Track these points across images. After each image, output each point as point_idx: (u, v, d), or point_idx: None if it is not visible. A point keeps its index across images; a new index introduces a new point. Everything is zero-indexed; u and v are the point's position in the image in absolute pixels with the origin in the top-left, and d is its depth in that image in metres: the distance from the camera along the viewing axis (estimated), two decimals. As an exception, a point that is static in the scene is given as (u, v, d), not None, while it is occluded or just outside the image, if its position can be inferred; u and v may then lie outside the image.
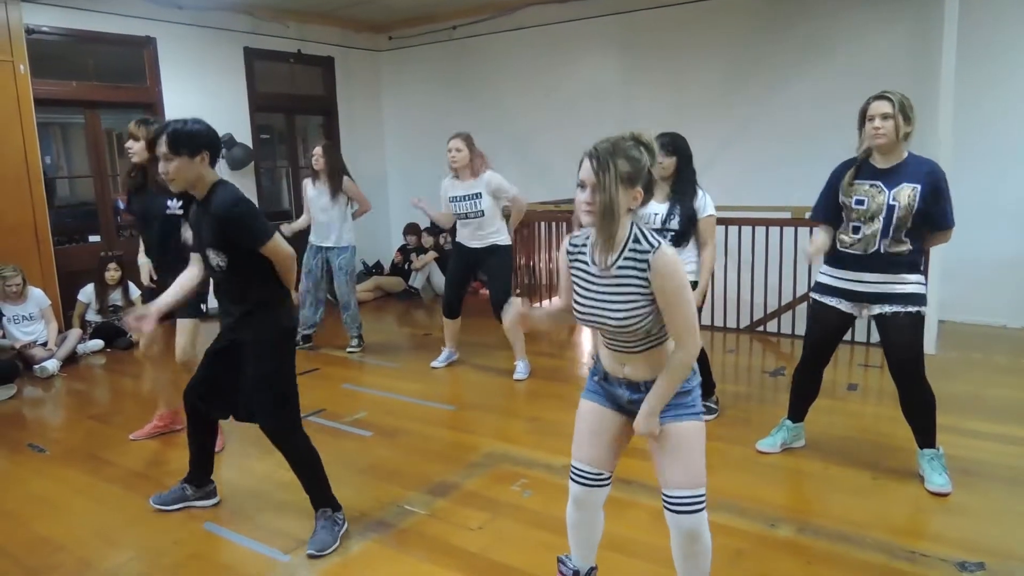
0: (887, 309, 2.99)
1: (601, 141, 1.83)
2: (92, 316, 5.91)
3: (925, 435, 3.10)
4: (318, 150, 5.35)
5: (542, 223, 6.92)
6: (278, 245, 2.62)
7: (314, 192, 5.38)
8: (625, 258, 1.86)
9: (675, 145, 3.54)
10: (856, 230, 3.00)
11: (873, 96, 2.93)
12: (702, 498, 1.94)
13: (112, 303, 5.96)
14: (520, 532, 2.77)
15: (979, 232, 5.00)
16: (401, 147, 9.04)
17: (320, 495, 2.77)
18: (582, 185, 1.84)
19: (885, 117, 2.85)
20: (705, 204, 3.57)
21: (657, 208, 3.57)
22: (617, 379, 2.02)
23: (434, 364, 4.99)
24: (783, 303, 5.64)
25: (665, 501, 1.96)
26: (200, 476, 3.05)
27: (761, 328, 5.75)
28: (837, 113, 6.03)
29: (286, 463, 2.75)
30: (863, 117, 2.95)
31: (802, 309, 5.56)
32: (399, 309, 7.33)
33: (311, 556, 2.63)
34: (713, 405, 3.90)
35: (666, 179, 3.56)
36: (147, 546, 2.77)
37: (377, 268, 8.35)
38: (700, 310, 3.66)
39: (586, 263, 1.95)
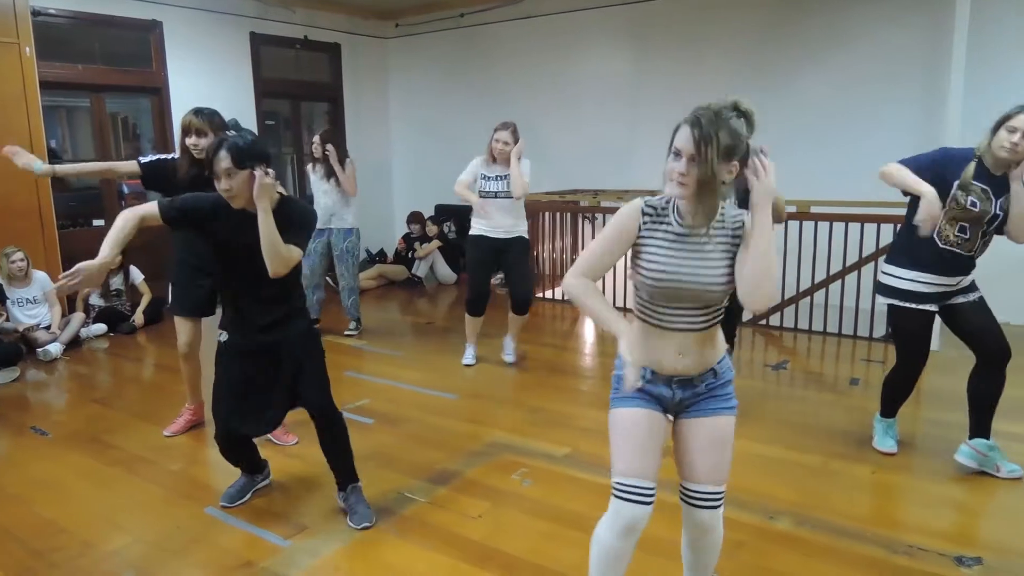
0: (969, 297, 3.07)
1: (701, 108, 1.70)
2: (95, 300, 5.93)
3: (989, 422, 3.17)
4: (316, 138, 5.49)
5: (547, 213, 6.91)
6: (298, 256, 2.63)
7: (315, 176, 5.53)
8: (720, 220, 1.79)
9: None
10: (964, 230, 2.94)
11: (1020, 106, 2.79)
12: (723, 494, 1.91)
13: (114, 287, 5.98)
14: (520, 521, 2.79)
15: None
16: (407, 135, 9.02)
17: (352, 471, 2.87)
18: (677, 153, 1.71)
19: None
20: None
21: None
22: (667, 378, 1.87)
23: (465, 361, 4.85)
24: (786, 297, 5.64)
25: (684, 493, 1.92)
26: (258, 466, 3.08)
27: (764, 322, 5.74)
28: (848, 107, 6.05)
29: (289, 450, 2.75)
30: (1001, 123, 2.81)
31: (805, 304, 5.57)
32: (402, 297, 7.34)
33: (364, 528, 2.73)
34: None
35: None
36: (149, 530, 2.79)
37: (380, 256, 8.35)
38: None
39: (669, 223, 1.81)
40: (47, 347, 5.17)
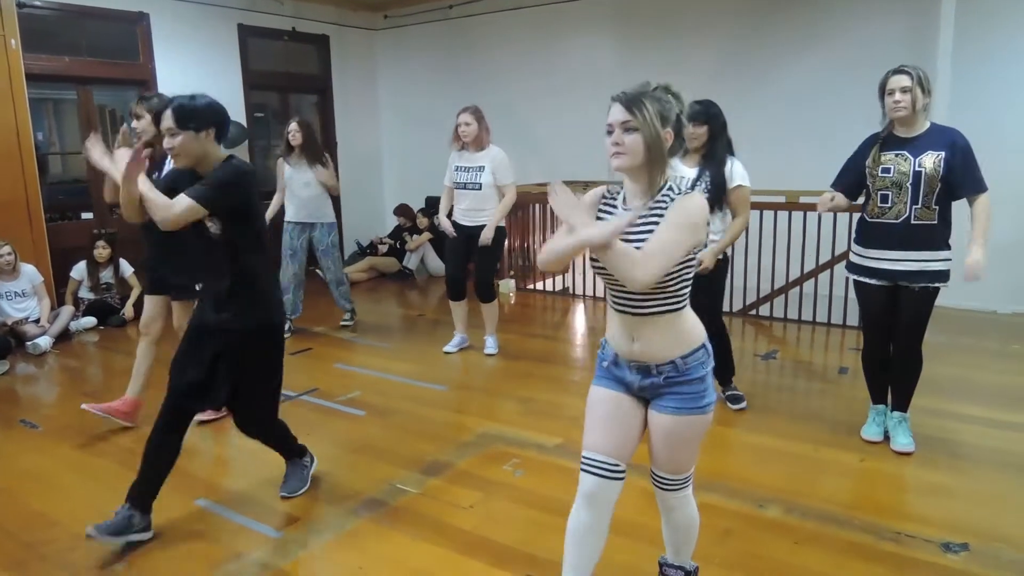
0: (915, 285, 3.09)
1: (625, 88, 1.79)
2: (85, 293, 5.90)
3: (902, 398, 3.28)
4: (293, 125, 5.22)
5: (536, 205, 6.91)
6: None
7: (291, 169, 5.26)
8: (656, 201, 1.80)
9: (708, 114, 3.47)
10: (885, 199, 3.08)
11: (891, 71, 3.04)
12: (688, 479, 1.98)
13: (104, 281, 5.95)
14: (512, 511, 2.80)
15: (969, 216, 5.03)
16: (396, 126, 8.99)
17: (290, 451, 2.98)
18: (610, 129, 1.78)
19: (904, 90, 2.97)
20: (733, 173, 3.50)
21: (686, 172, 3.52)
22: (627, 362, 1.89)
23: (446, 349, 4.91)
24: (776, 287, 5.66)
25: (652, 476, 1.99)
26: (147, 501, 2.65)
27: (754, 312, 5.77)
28: (834, 97, 6.06)
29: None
30: (882, 91, 3.06)
31: (795, 294, 5.60)
32: (393, 290, 7.33)
33: (284, 498, 2.89)
34: (738, 392, 3.83)
35: (698, 149, 3.51)
36: (140, 522, 2.78)
37: (371, 248, 8.33)
38: (719, 282, 3.67)
39: (614, 208, 1.88)
40: (36, 340, 5.15)
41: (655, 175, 1.79)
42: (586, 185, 6.99)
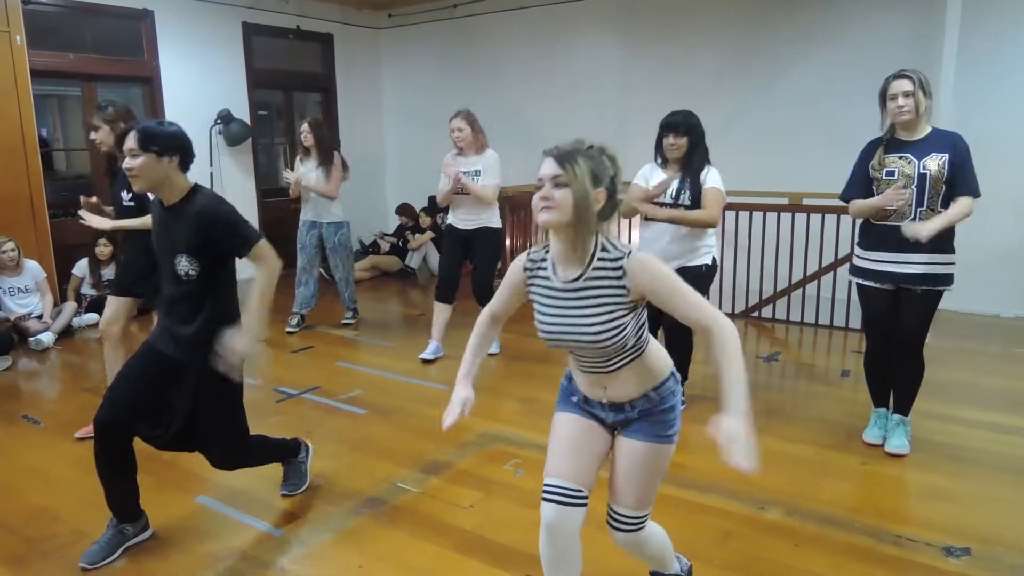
0: (918, 288, 3.08)
1: (557, 144, 1.73)
2: (87, 290, 5.90)
3: (903, 402, 3.28)
4: (305, 126, 5.29)
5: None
6: (269, 249, 2.47)
7: (304, 168, 5.32)
8: (595, 268, 1.73)
9: (688, 124, 3.47)
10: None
11: (892, 76, 3.04)
12: (640, 519, 1.89)
13: (106, 278, 5.95)
14: (512, 511, 2.80)
15: (974, 220, 5.01)
16: (400, 126, 8.99)
17: (283, 456, 2.95)
18: (540, 183, 1.70)
19: (907, 94, 2.97)
20: (707, 177, 3.49)
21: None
22: (599, 403, 1.87)
23: (423, 356, 4.74)
24: (778, 289, 5.66)
25: (609, 513, 1.90)
26: (132, 510, 2.59)
27: (756, 314, 5.76)
28: (837, 100, 6.05)
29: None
30: (884, 96, 3.06)
31: (797, 296, 5.59)
32: (395, 289, 7.33)
33: (284, 496, 2.91)
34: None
35: (678, 159, 3.53)
36: (141, 518, 2.78)
37: (373, 247, 8.33)
38: (701, 291, 3.66)
39: (548, 278, 1.80)
40: (39, 336, 5.16)
41: (583, 236, 1.71)
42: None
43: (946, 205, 3.01)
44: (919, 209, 3.02)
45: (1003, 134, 5.40)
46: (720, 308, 5.69)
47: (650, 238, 3.62)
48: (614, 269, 1.72)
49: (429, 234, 7.78)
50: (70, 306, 5.62)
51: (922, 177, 3.00)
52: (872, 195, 3.13)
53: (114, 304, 3.60)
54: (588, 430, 1.89)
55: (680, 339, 3.62)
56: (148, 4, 6.54)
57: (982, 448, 3.31)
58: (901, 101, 2.98)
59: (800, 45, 6.28)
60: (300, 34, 7.90)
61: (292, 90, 8.25)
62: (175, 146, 2.41)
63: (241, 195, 7.41)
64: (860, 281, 3.25)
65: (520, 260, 1.87)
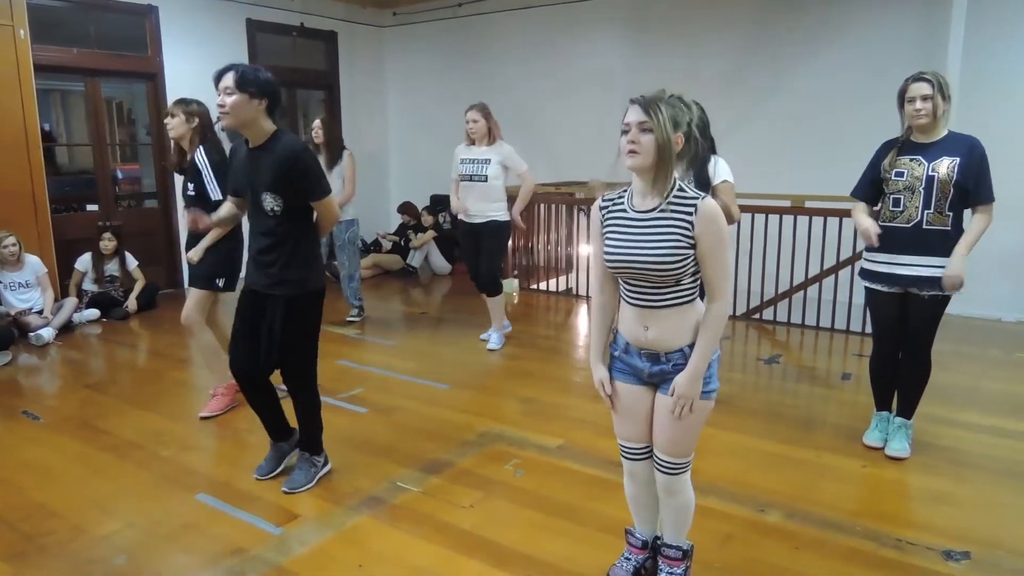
0: (925, 293, 3.08)
1: (643, 92, 1.91)
2: (88, 285, 5.91)
3: (907, 405, 3.28)
4: (317, 123, 5.37)
5: (541, 205, 6.90)
6: (333, 202, 2.84)
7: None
8: (669, 202, 1.92)
9: (696, 115, 3.49)
10: (897, 203, 3.08)
11: (911, 78, 3.02)
12: (687, 464, 2.09)
13: (109, 273, 5.95)
14: (512, 511, 2.79)
15: (979, 225, 5.04)
16: (404, 124, 8.99)
17: (311, 441, 3.03)
18: (626, 129, 1.89)
19: (925, 98, 2.96)
20: (717, 170, 3.48)
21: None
22: (637, 350, 2.03)
23: (491, 347, 4.94)
24: (780, 291, 5.65)
25: (656, 460, 2.11)
26: (283, 431, 3.09)
27: (757, 316, 5.75)
28: (840, 102, 6.05)
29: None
30: (902, 98, 3.05)
31: (799, 298, 5.58)
32: (396, 287, 7.33)
33: (285, 493, 2.92)
34: None
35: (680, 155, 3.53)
36: (140, 515, 2.78)
37: (375, 245, 8.33)
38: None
39: (624, 210, 2.00)
40: (39, 331, 5.15)
41: (663, 176, 1.89)
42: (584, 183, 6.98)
43: (956, 208, 2.99)
44: (926, 212, 3.01)
45: (1007, 138, 5.37)
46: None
47: None
48: (687, 206, 1.90)
49: (431, 233, 7.77)
50: (71, 301, 5.62)
51: (930, 180, 2.99)
52: (880, 194, 3.15)
53: (199, 296, 3.69)
54: (629, 392, 2.09)
55: None
56: (153, 0, 6.53)
57: (983, 452, 3.30)
58: (919, 104, 2.96)
59: (804, 48, 6.27)
60: (304, 31, 7.90)
61: (296, 87, 8.25)
62: (267, 91, 2.66)
63: (243, 192, 7.41)
64: (868, 284, 3.24)
65: (595, 206, 2.08)
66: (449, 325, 5.73)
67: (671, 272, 1.90)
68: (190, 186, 3.62)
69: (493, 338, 4.96)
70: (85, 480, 3.10)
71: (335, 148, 5.35)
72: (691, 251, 1.90)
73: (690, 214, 1.89)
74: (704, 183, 3.47)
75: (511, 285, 6.89)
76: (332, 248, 5.56)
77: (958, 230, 3.02)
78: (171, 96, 6.69)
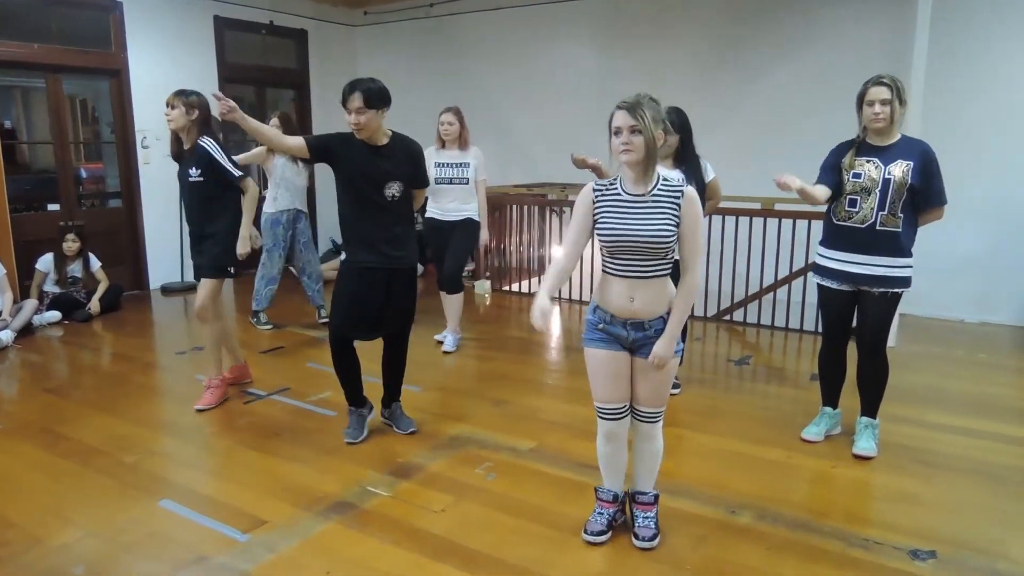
0: (876, 290, 3.14)
1: (624, 99, 2.24)
2: (50, 287, 5.75)
3: (869, 404, 3.34)
4: (274, 120, 5.19)
5: (514, 206, 6.88)
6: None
7: (284, 159, 5.25)
8: (659, 189, 2.28)
9: (680, 122, 3.59)
10: (853, 203, 3.13)
11: (870, 81, 3.08)
12: (662, 412, 2.49)
13: (71, 274, 5.81)
14: (483, 515, 2.76)
15: (940, 226, 5.10)
16: (374, 124, 8.90)
17: (398, 390, 3.59)
18: (617, 131, 2.23)
19: (884, 102, 3.02)
20: (708, 170, 3.80)
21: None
22: (623, 321, 2.34)
23: (446, 348, 4.90)
24: (750, 293, 5.70)
25: (632, 410, 2.47)
26: (358, 398, 3.47)
27: (728, 317, 5.80)
28: (811, 106, 6.12)
29: (247, 441, 2.70)
30: (861, 101, 3.10)
31: (768, 299, 5.64)
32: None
33: (412, 433, 3.49)
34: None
35: (669, 155, 3.62)
36: (101, 524, 2.71)
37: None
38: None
39: (618, 193, 2.32)
40: (-3, 335, 5.01)
41: (652, 166, 2.26)
42: (564, 187, 6.99)
43: (907, 210, 3.07)
44: (880, 213, 3.08)
45: (972, 141, 5.50)
46: (692, 311, 5.75)
47: None
48: (674, 192, 2.28)
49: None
50: (31, 303, 5.47)
51: (886, 182, 3.06)
52: (840, 186, 3.17)
53: (211, 285, 3.79)
54: (613, 359, 2.40)
55: None
56: (117, -5, 6.40)
57: (947, 452, 3.35)
58: (878, 108, 3.03)
59: (774, 53, 6.34)
60: (274, 29, 7.80)
61: (265, 86, 8.13)
62: (387, 100, 3.18)
63: (211, 192, 7.29)
64: (820, 280, 3.31)
65: (587, 188, 2.38)
66: (419, 326, 5.61)
67: (662, 245, 2.26)
68: (194, 171, 3.69)
69: (448, 339, 4.90)
70: (45, 488, 3.01)
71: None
72: (677, 229, 2.26)
73: (678, 198, 2.27)
74: (701, 183, 3.67)
75: (483, 287, 6.86)
76: (292, 248, 5.44)
77: (909, 231, 3.10)
78: (136, 93, 6.58)
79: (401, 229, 3.29)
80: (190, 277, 7.05)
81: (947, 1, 5.26)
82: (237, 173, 3.74)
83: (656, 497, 2.58)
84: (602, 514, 2.59)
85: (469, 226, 4.77)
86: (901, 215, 3.06)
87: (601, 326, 2.39)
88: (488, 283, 6.90)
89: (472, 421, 3.70)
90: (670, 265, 2.33)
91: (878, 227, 3.08)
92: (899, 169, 3.04)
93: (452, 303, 4.87)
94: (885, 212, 3.07)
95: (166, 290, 6.86)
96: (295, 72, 8.22)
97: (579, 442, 3.39)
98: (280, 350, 4.94)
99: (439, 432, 3.55)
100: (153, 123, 6.66)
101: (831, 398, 3.48)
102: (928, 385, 4.25)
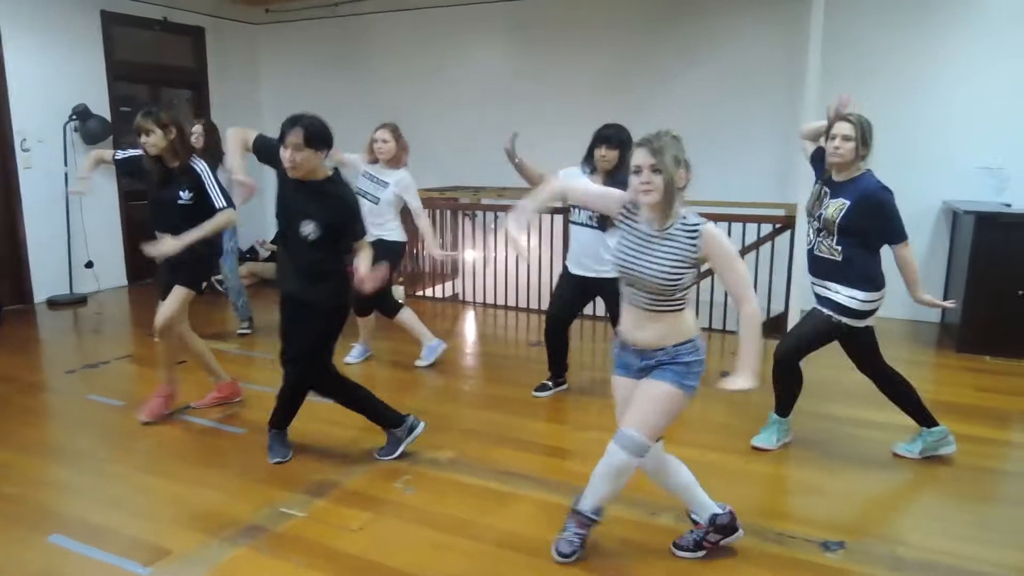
0: (815, 307, 3.25)
1: (645, 135, 2.22)
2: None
3: (783, 405, 3.47)
4: (198, 128, 4.98)
5: (426, 211, 6.77)
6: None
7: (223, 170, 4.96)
8: (677, 228, 2.22)
9: (620, 139, 3.64)
10: (818, 232, 3.21)
11: (840, 116, 3.07)
12: (642, 443, 2.30)
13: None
14: (403, 531, 2.69)
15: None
16: (279, 126, 8.60)
17: (380, 418, 3.35)
18: (637, 170, 2.18)
19: (846, 138, 3.02)
20: None
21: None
22: (631, 347, 2.34)
23: (419, 363, 4.70)
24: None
25: (621, 433, 2.32)
26: (392, 418, 3.30)
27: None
28: (717, 109, 6.32)
29: (146, 465, 2.52)
30: (827, 132, 3.12)
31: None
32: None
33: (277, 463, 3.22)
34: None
35: (607, 170, 3.66)
36: (-19, 565, 2.47)
37: (252, 253, 7.94)
38: None
39: (639, 223, 2.29)
40: None
41: (669, 206, 2.20)
42: (476, 190, 6.96)
43: (843, 245, 3.07)
44: (817, 239, 3.18)
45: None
46: (603, 310, 5.73)
47: (578, 250, 3.87)
48: (691, 233, 2.20)
49: (311, 239, 7.48)
50: None
51: (820, 216, 3.15)
52: (821, 163, 3.24)
53: (181, 296, 3.65)
54: (625, 385, 2.40)
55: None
56: (-11, -14, 5.92)
57: (850, 444, 3.51)
58: (838, 143, 3.03)
59: (681, 57, 6.51)
60: (167, 26, 7.40)
61: (159, 85, 7.71)
62: (329, 140, 2.96)
63: (101, 197, 6.86)
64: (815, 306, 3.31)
65: (623, 196, 2.34)
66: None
67: (667, 285, 2.20)
68: (184, 194, 3.54)
69: (424, 353, 4.71)
70: (-88, 528, 2.72)
71: (218, 153, 4.93)
72: (690, 270, 2.21)
73: (694, 238, 2.19)
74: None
75: (396, 292, 6.73)
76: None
77: (848, 264, 3.08)
78: (14, 92, 6.10)
79: (317, 272, 3.06)
80: (80, 288, 6.61)
81: (837, 8, 5.54)
82: (220, 204, 3.57)
83: (589, 520, 2.47)
84: (692, 532, 2.56)
85: (382, 246, 4.32)
86: (838, 247, 3.08)
87: (617, 350, 2.43)
88: (401, 288, 6.78)
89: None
90: (681, 303, 2.27)
91: (815, 252, 3.19)
92: (834, 208, 3.07)
93: (404, 324, 4.67)
94: (820, 240, 3.16)
95: (53, 303, 6.38)
96: (192, 71, 7.83)
97: (500, 450, 3.36)
98: (182, 364, 4.67)
99: (354, 446, 3.44)
100: (34, 125, 6.20)
101: (784, 408, 3.48)
102: (828, 379, 4.43)
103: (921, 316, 5.87)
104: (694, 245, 2.19)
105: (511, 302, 6.40)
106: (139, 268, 7.24)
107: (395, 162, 4.45)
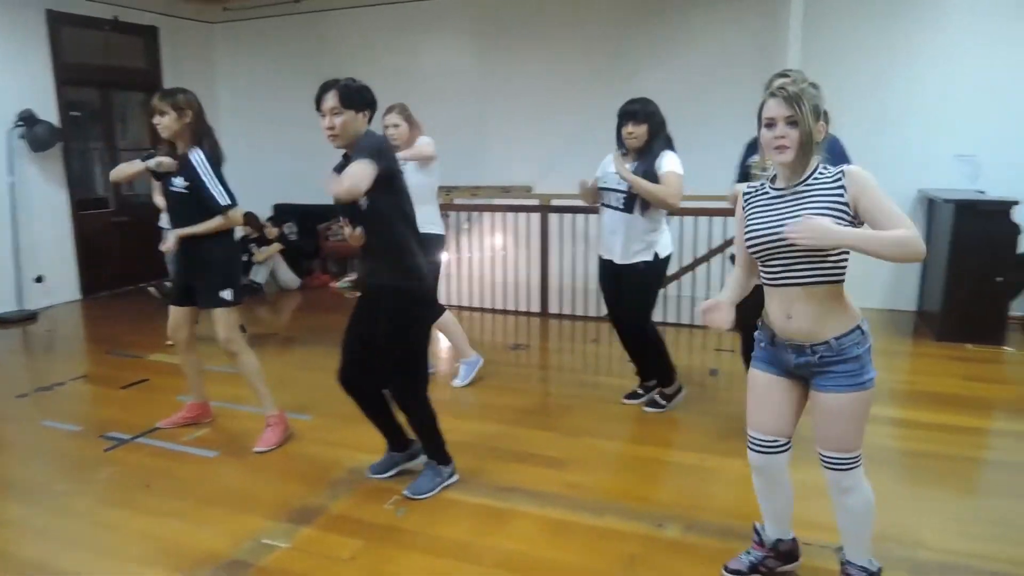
0: None
1: (776, 80, 1.92)
2: None
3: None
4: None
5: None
6: None
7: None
8: (814, 179, 1.93)
9: (646, 112, 3.44)
10: None
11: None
12: (853, 459, 2.02)
13: None
14: (397, 558, 2.50)
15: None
16: (240, 129, 8.27)
17: (433, 449, 2.96)
18: (770, 123, 1.90)
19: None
20: (662, 162, 3.43)
21: (610, 168, 3.56)
22: (783, 341, 2.01)
23: (456, 382, 4.34)
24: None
25: (820, 456, 2.06)
26: (399, 442, 3.05)
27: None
28: (693, 102, 6.20)
29: (109, 497, 2.29)
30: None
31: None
32: (239, 306, 6.69)
33: (406, 497, 2.84)
34: (663, 401, 3.84)
35: (637, 148, 3.47)
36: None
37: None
38: (652, 285, 3.75)
39: (765, 192, 2.02)
40: None
41: (807, 161, 1.92)
42: (449, 190, 6.76)
43: None
44: None
45: (841, 135, 5.75)
46: (583, 311, 5.57)
47: (606, 234, 3.64)
48: (832, 179, 1.91)
49: (276, 246, 7.21)
50: None
51: None
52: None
53: (176, 312, 3.54)
54: (776, 384, 2.08)
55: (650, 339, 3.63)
56: (-79, -16, 5.55)
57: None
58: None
59: (656, 51, 6.41)
60: (119, 26, 7.06)
61: (111, 88, 7.35)
62: (369, 100, 2.73)
63: (50, 207, 6.52)
64: None
65: (739, 199, 2.09)
66: (302, 346, 5.27)
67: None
68: (179, 181, 3.28)
69: (461, 371, 4.36)
70: None
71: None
72: (842, 218, 1.86)
73: (839, 180, 1.89)
74: (650, 178, 3.42)
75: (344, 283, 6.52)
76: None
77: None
78: (-48, 97, 5.73)
79: (376, 241, 2.72)
80: (30, 304, 6.25)
81: (816, 5, 5.49)
82: (224, 201, 3.29)
83: (865, 571, 2.17)
84: (749, 553, 2.34)
85: (431, 243, 3.87)
86: None
87: (764, 344, 2.09)
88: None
89: (371, 449, 3.35)
90: (837, 271, 1.93)
91: None
92: None
93: (443, 331, 4.30)
94: None
95: (0, 321, 6.02)
96: (145, 72, 7.49)
97: (494, 464, 3.18)
98: (144, 384, 4.40)
99: (337, 465, 3.22)
100: (-25, 131, 5.85)
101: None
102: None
103: (898, 305, 5.86)
104: (840, 186, 1.88)
105: (487, 304, 6.23)
106: (93, 281, 6.90)
107: (410, 144, 4.09)
